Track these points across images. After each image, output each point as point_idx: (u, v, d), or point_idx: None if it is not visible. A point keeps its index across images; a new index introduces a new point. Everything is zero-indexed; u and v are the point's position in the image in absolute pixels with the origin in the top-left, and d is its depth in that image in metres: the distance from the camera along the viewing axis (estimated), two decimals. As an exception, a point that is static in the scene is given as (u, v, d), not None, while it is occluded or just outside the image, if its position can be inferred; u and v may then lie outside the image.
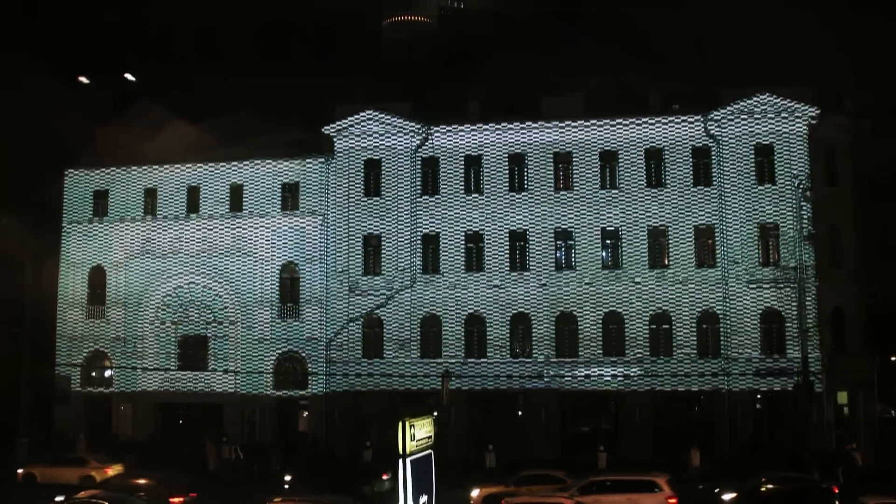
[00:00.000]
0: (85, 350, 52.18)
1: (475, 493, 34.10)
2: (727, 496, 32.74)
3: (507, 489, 32.95)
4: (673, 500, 30.34)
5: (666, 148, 47.18)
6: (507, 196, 48.38)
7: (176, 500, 31.88)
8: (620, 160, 47.54)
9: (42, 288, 49.45)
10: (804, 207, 43.18)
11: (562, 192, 47.97)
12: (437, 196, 49.00)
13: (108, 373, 52.23)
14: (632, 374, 46.05)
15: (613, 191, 47.47)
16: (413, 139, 49.18)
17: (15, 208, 49.09)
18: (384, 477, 37.12)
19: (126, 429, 50.95)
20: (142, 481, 32.92)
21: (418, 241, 48.80)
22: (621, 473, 33.64)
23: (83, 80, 55.86)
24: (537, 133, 48.27)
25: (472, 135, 48.78)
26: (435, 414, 21.03)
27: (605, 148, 47.70)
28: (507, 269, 48.00)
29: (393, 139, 49.38)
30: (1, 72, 64.20)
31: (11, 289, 46.36)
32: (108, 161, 52.88)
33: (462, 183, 48.90)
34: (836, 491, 32.07)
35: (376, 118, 49.45)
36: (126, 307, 51.97)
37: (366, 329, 49.01)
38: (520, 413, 47.41)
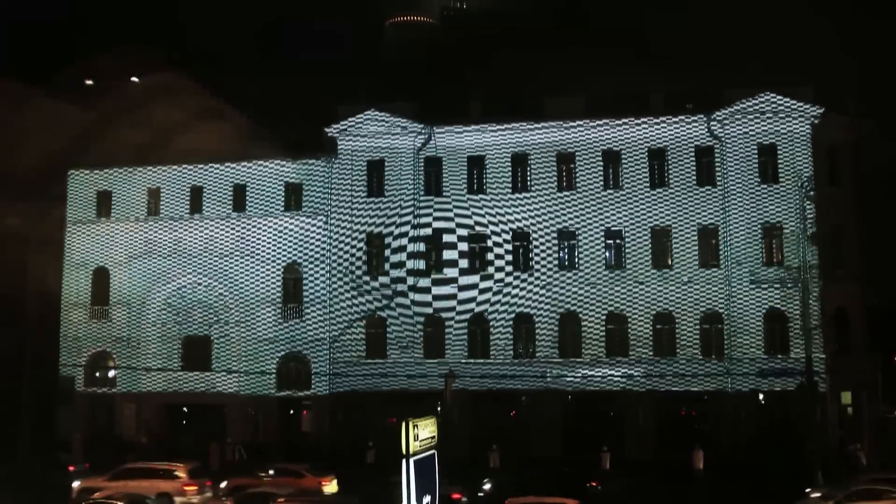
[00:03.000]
0: (89, 350, 52.18)
1: (76, 484, 35.15)
2: None
3: (102, 482, 33.80)
4: (189, 487, 33.97)
5: (669, 148, 47.13)
6: (509, 196, 48.35)
7: None
8: (623, 160, 47.48)
9: (45, 288, 49.57)
10: (807, 207, 43.10)
11: (565, 192, 47.94)
12: (439, 196, 49.00)
13: (111, 373, 52.26)
14: (635, 374, 46.02)
15: (617, 191, 47.45)
16: (416, 139, 49.17)
17: (18, 209, 49.28)
18: (71, 468, 38.09)
19: (129, 429, 50.99)
20: None
21: (421, 242, 48.80)
22: (150, 462, 36.20)
23: (87, 81, 55.94)
24: (540, 133, 48.24)
25: (475, 135, 48.75)
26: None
27: (608, 148, 47.66)
28: (510, 269, 47.98)
29: (396, 139, 49.37)
30: (6, 71, 64.28)
31: (15, 289, 46.48)
32: (111, 161, 52.93)
33: (465, 183, 48.88)
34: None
35: (379, 118, 49.46)
36: (129, 307, 52.00)
37: (369, 329, 49.02)
38: (523, 413, 47.35)
